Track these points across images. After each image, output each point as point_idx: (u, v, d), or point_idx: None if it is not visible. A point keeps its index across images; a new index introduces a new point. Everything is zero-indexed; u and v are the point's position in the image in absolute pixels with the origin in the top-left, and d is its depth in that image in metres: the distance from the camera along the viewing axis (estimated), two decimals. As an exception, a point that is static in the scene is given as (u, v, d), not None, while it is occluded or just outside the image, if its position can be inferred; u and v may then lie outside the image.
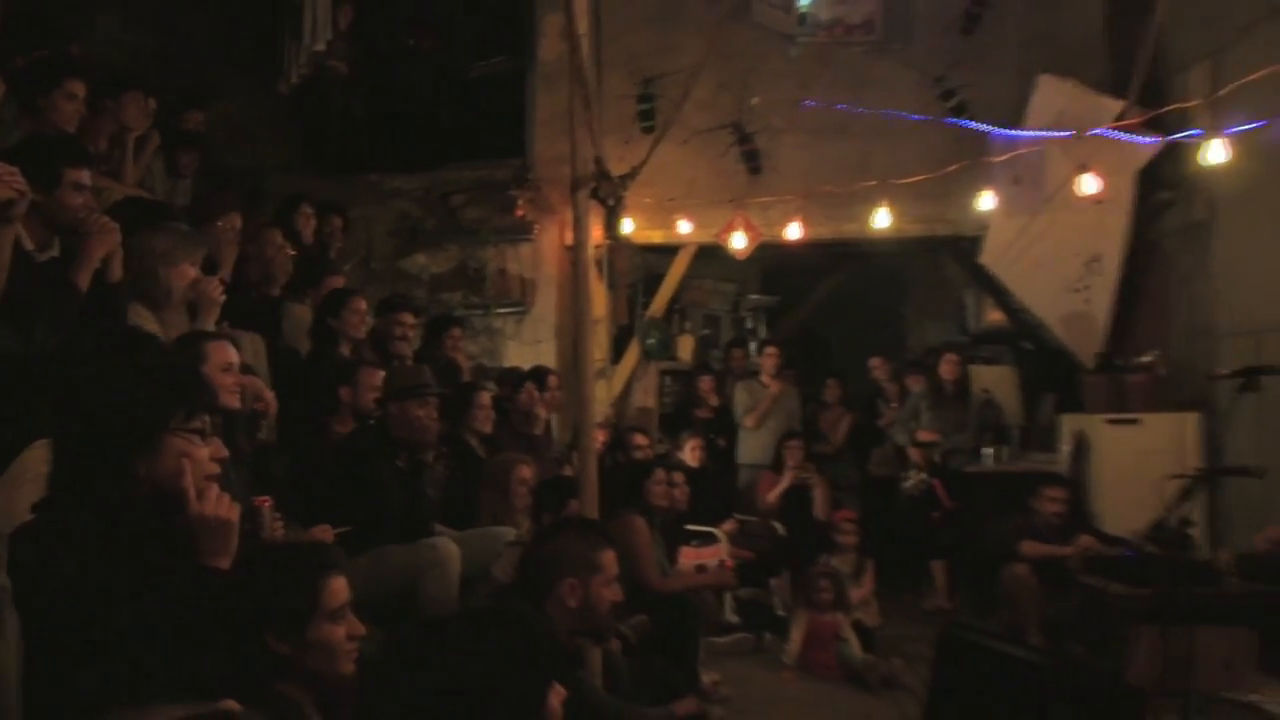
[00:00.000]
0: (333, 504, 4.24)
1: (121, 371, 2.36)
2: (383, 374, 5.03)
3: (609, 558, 3.32)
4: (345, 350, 5.62)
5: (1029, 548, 6.64)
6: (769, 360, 8.79)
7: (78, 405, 2.34)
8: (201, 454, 2.37)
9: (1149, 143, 7.30)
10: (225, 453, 2.52)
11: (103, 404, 2.29)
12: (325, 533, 3.79)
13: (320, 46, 8.05)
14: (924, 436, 8.08)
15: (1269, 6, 6.48)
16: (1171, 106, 6.65)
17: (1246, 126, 5.85)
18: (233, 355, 3.64)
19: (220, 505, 2.39)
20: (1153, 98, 7.11)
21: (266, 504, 3.16)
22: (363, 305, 5.80)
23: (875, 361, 9.16)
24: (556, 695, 2.02)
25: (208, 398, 2.46)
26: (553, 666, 2.03)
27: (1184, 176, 7.42)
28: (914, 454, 8.13)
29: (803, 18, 8.91)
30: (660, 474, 6.41)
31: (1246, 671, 5.86)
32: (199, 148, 6.63)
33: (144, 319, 3.76)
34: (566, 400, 7.79)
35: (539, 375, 7.03)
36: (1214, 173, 6.63)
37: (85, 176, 3.66)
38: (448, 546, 4.28)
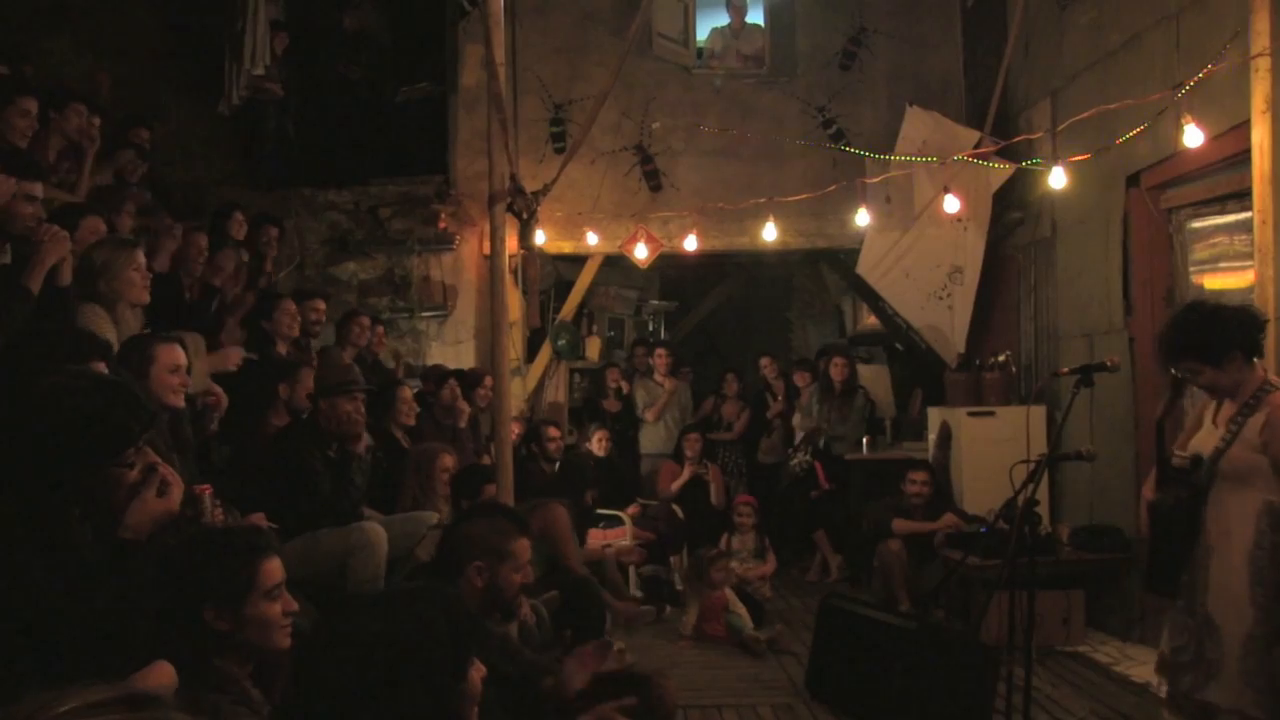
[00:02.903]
0: (269, 492, 4.18)
1: (70, 407, 2.27)
2: (317, 373, 4.98)
3: (521, 545, 3.23)
4: (282, 349, 5.54)
5: (899, 525, 6.81)
6: (660, 361, 8.90)
7: (24, 420, 2.26)
8: (131, 478, 2.33)
9: (1002, 168, 7.40)
10: (154, 458, 2.47)
11: (47, 437, 2.20)
12: (260, 520, 3.73)
13: (259, 71, 7.92)
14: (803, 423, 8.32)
15: (1089, 59, 6.72)
16: (1019, 138, 6.79)
17: (1080, 157, 6.03)
18: (180, 357, 3.59)
19: (173, 498, 2.38)
20: (1004, 130, 7.31)
21: (207, 491, 3.10)
22: (292, 307, 5.76)
23: (765, 361, 9.29)
24: (478, 671, 2.02)
25: (142, 434, 2.40)
26: (470, 640, 2.02)
27: (1031, 199, 7.59)
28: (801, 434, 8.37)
29: (700, 52, 9.02)
30: None
31: (1078, 627, 6.11)
32: (145, 162, 6.48)
33: (99, 317, 3.70)
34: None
35: (472, 376, 7.06)
36: (1055, 196, 6.79)
37: (37, 189, 3.60)
38: (375, 530, 4.25)
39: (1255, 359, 3.45)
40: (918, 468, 7.10)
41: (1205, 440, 3.53)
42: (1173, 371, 3.49)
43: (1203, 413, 3.65)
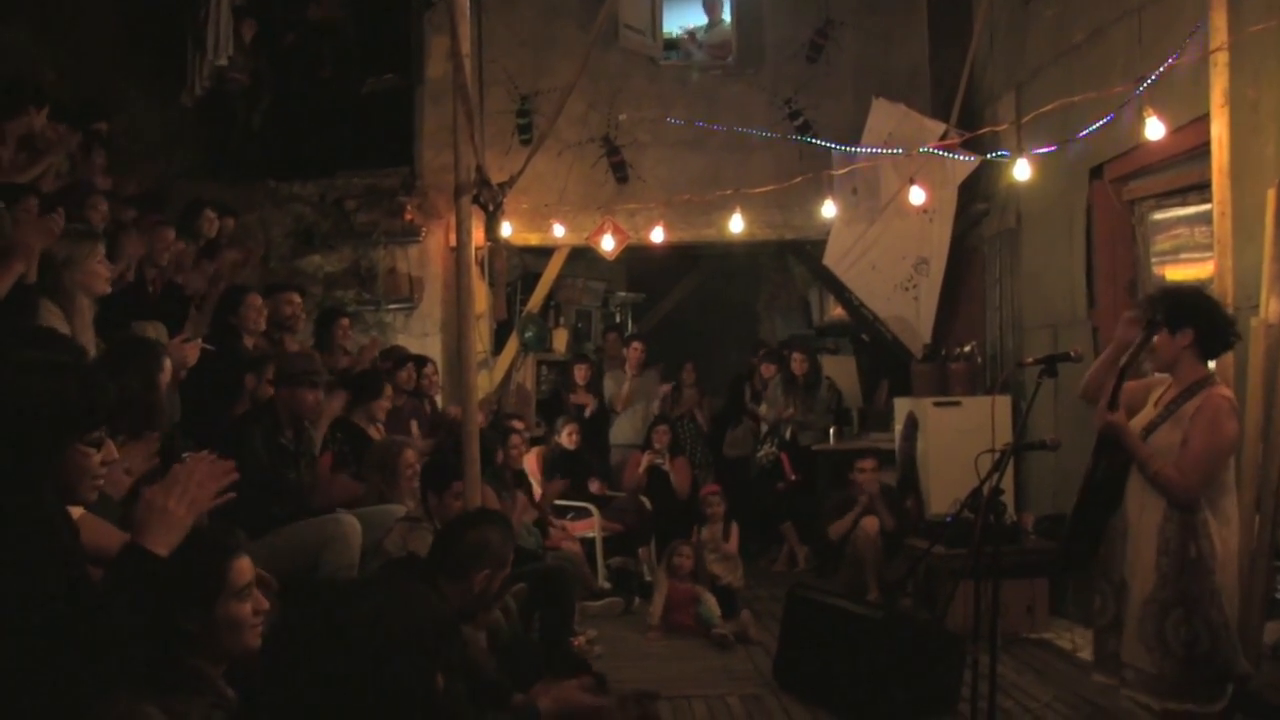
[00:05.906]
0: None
1: (30, 385, 2.20)
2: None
3: (511, 555, 3.42)
4: (249, 344, 5.49)
5: (834, 529, 7.08)
6: (633, 354, 8.90)
7: None
8: (94, 461, 2.24)
9: (967, 160, 7.49)
10: (115, 455, 2.41)
11: (12, 411, 2.16)
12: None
13: (223, 61, 7.82)
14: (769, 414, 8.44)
15: (1053, 52, 6.81)
16: (985, 130, 6.84)
17: (1044, 150, 6.10)
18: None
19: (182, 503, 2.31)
20: (969, 122, 7.36)
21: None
22: (258, 301, 5.65)
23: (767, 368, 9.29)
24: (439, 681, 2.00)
25: (109, 413, 2.33)
26: (445, 639, 2.00)
27: (996, 190, 7.66)
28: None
29: (671, 43, 9.04)
30: (516, 439, 6.60)
31: (1042, 614, 6.20)
32: (106, 153, 6.39)
33: (53, 314, 3.66)
34: (450, 387, 7.76)
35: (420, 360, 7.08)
36: (1020, 188, 6.83)
37: None
38: (350, 521, 4.24)
39: (1209, 361, 3.75)
40: (866, 456, 7.29)
41: (1143, 420, 3.78)
42: (1152, 316, 3.71)
43: (1148, 392, 3.86)
